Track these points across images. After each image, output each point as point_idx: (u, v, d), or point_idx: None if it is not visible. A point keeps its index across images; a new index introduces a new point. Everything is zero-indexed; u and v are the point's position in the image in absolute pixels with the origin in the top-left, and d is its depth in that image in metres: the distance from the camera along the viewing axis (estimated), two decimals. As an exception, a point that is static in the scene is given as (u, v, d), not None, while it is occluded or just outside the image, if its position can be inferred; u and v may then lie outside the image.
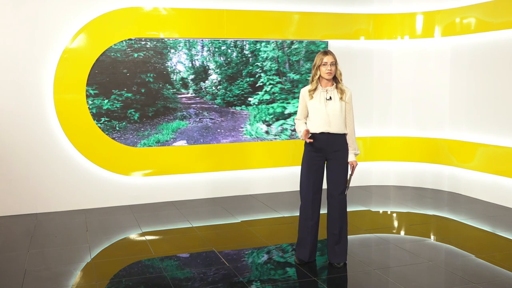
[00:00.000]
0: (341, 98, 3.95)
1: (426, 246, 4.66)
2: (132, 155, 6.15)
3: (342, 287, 3.82)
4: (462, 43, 6.48)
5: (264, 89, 6.76)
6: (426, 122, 6.95)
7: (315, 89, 3.97)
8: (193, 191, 6.49)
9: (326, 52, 3.93)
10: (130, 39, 6.05)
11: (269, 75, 6.75)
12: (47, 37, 5.76)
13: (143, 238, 4.96)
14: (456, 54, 6.59)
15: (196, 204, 6.23)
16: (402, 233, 5.18)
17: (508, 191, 5.97)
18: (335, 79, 3.98)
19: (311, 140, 3.90)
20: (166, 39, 6.22)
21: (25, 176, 5.82)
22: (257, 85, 6.74)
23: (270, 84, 6.76)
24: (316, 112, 3.94)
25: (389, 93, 7.11)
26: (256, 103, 6.73)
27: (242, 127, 6.69)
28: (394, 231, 5.23)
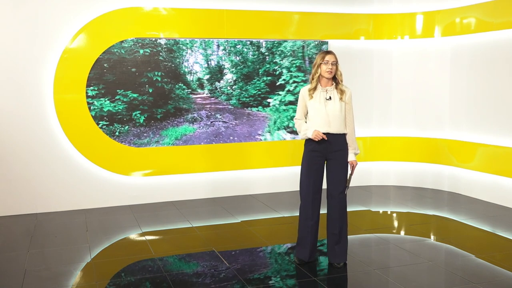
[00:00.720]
0: (340, 99, 3.96)
1: (426, 246, 4.66)
2: (132, 155, 6.15)
3: (342, 287, 3.82)
4: (462, 43, 6.48)
5: (286, 88, 6.29)
6: (426, 122, 6.95)
7: (314, 89, 3.97)
8: (193, 191, 6.49)
9: (328, 52, 3.95)
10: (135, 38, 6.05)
11: (293, 72, 6.18)
12: (47, 37, 5.76)
13: (143, 238, 4.96)
14: (456, 54, 6.59)
15: (196, 204, 6.23)
16: (402, 233, 5.18)
17: (508, 191, 5.97)
18: (335, 80, 3.99)
19: (325, 137, 3.88)
20: (180, 39, 6.21)
21: (25, 176, 5.82)
22: (277, 83, 6.22)
23: (294, 82, 6.21)
24: (315, 112, 3.94)
25: (389, 93, 7.11)
26: (277, 105, 6.21)
27: (260, 134, 6.27)
28: (394, 231, 5.23)
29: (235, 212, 5.81)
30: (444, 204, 6.21)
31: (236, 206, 6.10)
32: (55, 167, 5.91)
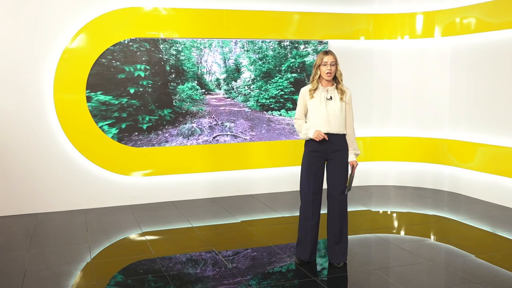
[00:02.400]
0: (341, 99, 3.96)
1: (426, 246, 4.65)
2: (132, 155, 6.15)
3: (342, 287, 3.82)
4: (462, 43, 6.48)
5: None
6: (426, 122, 6.95)
7: (315, 89, 3.97)
8: (193, 191, 6.49)
9: (327, 52, 3.94)
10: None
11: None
12: (47, 37, 5.76)
13: (143, 238, 4.96)
14: (456, 54, 6.59)
15: (196, 204, 6.23)
16: (402, 233, 5.18)
17: (508, 191, 5.97)
18: (336, 80, 3.99)
19: (326, 137, 3.86)
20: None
21: (25, 176, 5.82)
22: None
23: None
24: (316, 111, 3.94)
25: (389, 93, 7.11)
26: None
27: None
28: (394, 231, 5.23)
29: (235, 212, 5.81)
30: (444, 204, 6.21)
31: (236, 206, 6.10)
32: (55, 167, 5.91)
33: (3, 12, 5.59)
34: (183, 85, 5.83)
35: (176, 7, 6.18)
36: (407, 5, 6.89)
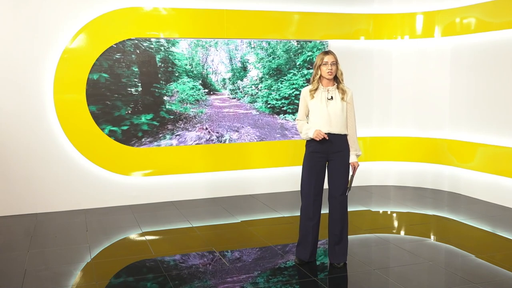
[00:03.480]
0: (342, 98, 3.95)
1: (426, 246, 4.66)
2: (132, 155, 6.15)
3: (342, 287, 3.82)
4: (462, 43, 6.48)
5: None
6: (426, 122, 6.95)
7: (316, 89, 3.97)
8: (193, 191, 6.49)
9: (327, 52, 3.94)
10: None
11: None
12: (47, 37, 5.76)
13: (143, 238, 4.96)
14: (456, 54, 6.59)
15: (196, 204, 6.23)
16: (402, 233, 5.18)
17: (508, 191, 5.97)
18: (336, 79, 3.99)
19: (326, 136, 3.85)
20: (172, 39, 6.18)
21: (25, 176, 5.82)
22: None
23: None
24: (317, 111, 3.94)
25: (389, 93, 7.12)
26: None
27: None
28: (394, 231, 5.23)
29: (235, 212, 5.81)
30: (444, 204, 6.21)
31: (236, 206, 6.10)
32: (55, 167, 5.91)
33: (3, 12, 5.59)
34: (184, 85, 5.66)
35: (176, 7, 6.18)
36: (407, 5, 6.89)
